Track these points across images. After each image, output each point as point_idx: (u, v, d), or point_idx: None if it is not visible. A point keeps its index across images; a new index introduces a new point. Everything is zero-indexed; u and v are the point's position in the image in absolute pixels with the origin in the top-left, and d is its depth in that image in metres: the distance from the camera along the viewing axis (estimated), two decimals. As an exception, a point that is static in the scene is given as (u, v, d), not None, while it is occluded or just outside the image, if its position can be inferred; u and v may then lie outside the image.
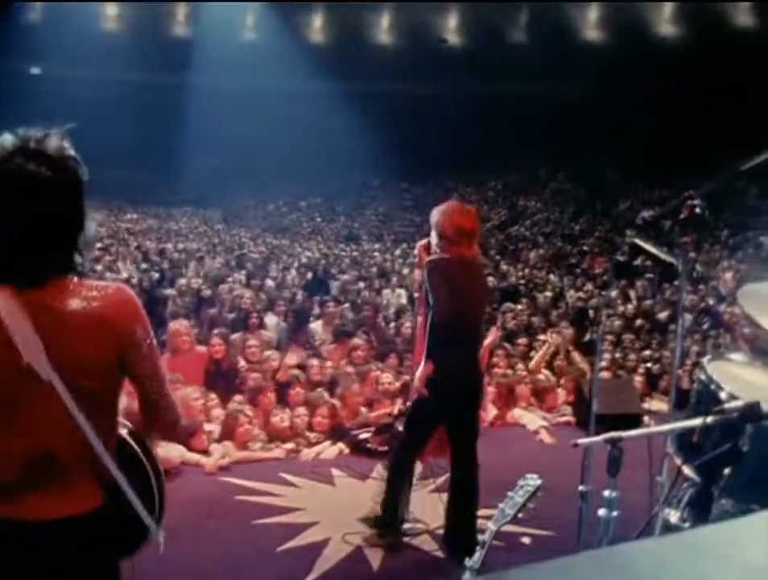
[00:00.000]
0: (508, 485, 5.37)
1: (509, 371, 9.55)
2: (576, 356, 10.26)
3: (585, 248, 23.75)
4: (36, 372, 2.01)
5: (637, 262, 2.82)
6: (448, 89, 31.95)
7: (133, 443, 2.34)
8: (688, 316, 13.78)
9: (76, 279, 2.15)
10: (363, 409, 7.81)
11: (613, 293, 3.12)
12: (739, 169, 3.22)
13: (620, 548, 1.04)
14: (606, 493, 2.55)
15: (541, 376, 9.59)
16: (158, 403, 2.28)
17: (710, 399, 2.68)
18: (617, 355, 11.10)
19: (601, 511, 2.55)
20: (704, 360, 2.96)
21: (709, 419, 2.37)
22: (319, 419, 7.30)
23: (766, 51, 24.31)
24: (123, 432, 2.35)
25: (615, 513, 2.52)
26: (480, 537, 2.97)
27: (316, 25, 34.26)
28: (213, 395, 7.21)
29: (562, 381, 9.64)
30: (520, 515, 2.92)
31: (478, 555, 2.91)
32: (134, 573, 2.48)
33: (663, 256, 2.80)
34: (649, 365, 10.57)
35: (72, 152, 2.13)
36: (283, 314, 10.66)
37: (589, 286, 17.74)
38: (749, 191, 21.55)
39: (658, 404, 9.39)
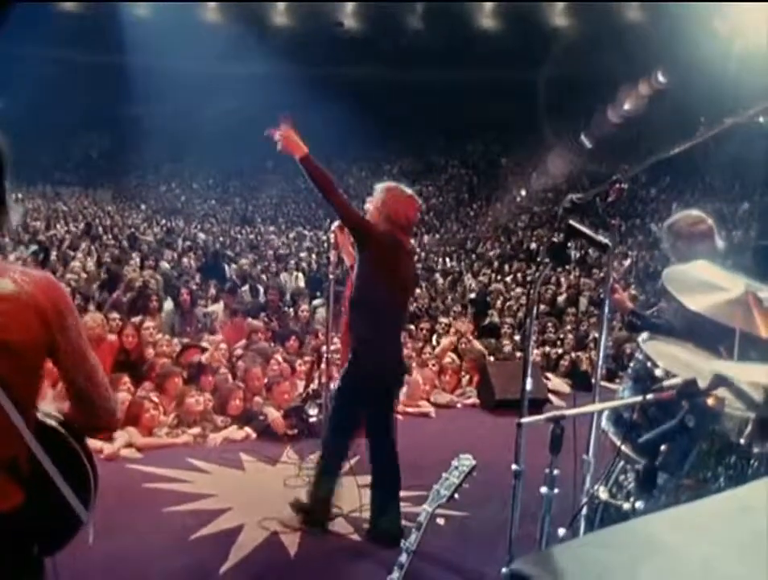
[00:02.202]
0: (422, 468, 5.48)
1: (413, 354, 9.65)
2: (475, 342, 10.45)
3: (478, 233, 24.18)
4: None
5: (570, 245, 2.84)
6: (344, 72, 31.86)
7: (63, 431, 2.22)
8: (584, 301, 14.25)
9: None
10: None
11: (546, 273, 3.15)
12: (664, 156, 3.30)
13: (647, 519, 1.05)
14: (547, 471, 2.57)
15: (447, 359, 9.71)
16: (91, 393, 2.17)
17: (647, 376, 2.75)
18: (516, 338, 11.34)
19: (543, 489, 2.58)
20: (640, 339, 3.04)
21: (649, 396, 2.42)
22: (236, 402, 7.19)
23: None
24: (52, 422, 2.23)
25: (556, 491, 2.55)
26: (418, 519, 2.96)
27: (212, 5, 33.53)
28: (126, 379, 7.00)
29: (464, 364, 9.78)
30: (456, 495, 2.92)
31: (414, 537, 2.90)
32: (54, 569, 2.36)
33: (598, 238, 2.84)
34: (547, 348, 10.85)
35: None
36: (177, 296, 10.41)
37: (486, 270, 18.05)
38: (638, 179, 22.42)
39: (558, 385, 9.68)
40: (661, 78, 23.32)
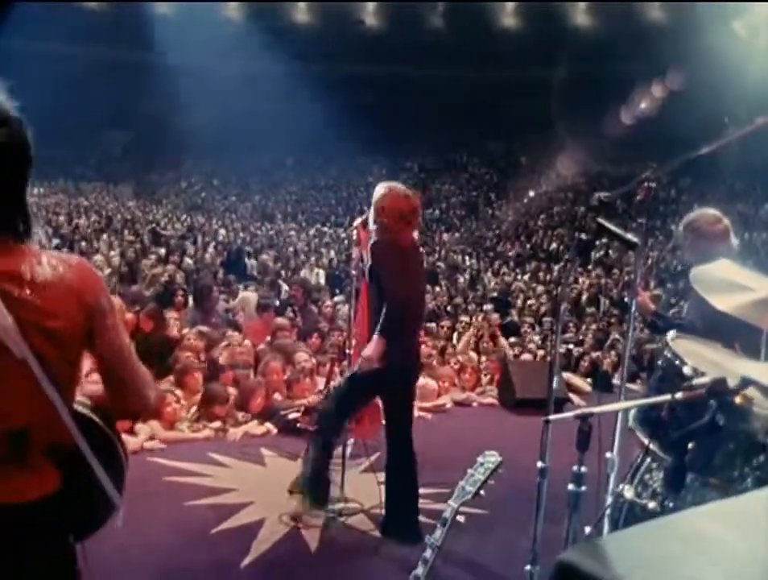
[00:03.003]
0: (441, 465, 5.48)
1: (434, 352, 9.64)
2: (501, 339, 10.43)
3: (498, 232, 24.15)
4: (9, 348, 1.89)
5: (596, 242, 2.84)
6: (365, 70, 31.89)
7: (97, 418, 2.23)
8: (604, 301, 14.19)
9: (34, 247, 2.03)
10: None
11: (573, 271, 3.16)
12: (693, 155, 3.28)
13: (691, 513, 1.05)
14: (575, 468, 2.57)
15: (465, 357, 9.70)
16: (128, 378, 2.17)
17: (675, 375, 2.74)
18: (536, 338, 11.31)
19: (570, 486, 2.57)
20: (668, 337, 3.03)
21: (679, 394, 2.41)
22: (258, 399, 7.22)
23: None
24: (83, 409, 2.24)
25: (584, 488, 2.54)
26: (443, 515, 2.96)
27: (234, 4, 33.62)
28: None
29: (485, 363, 9.77)
30: (482, 492, 2.92)
31: (440, 532, 2.90)
32: (84, 556, 2.38)
33: (627, 236, 2.83)
34: (571, 345, 10.82)
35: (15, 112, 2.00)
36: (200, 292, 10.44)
37: (505, 269, 18.03)
38: (659, 180, 22.26)
39: (580, 384, 9.64)
40: (681, 77, 23.21)
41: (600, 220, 2.80)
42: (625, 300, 11.44)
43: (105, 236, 15.90)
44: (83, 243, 14.78)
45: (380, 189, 4.93)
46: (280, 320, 9.25)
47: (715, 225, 4.45)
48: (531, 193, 27.26)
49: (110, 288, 9.99)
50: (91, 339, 2.08)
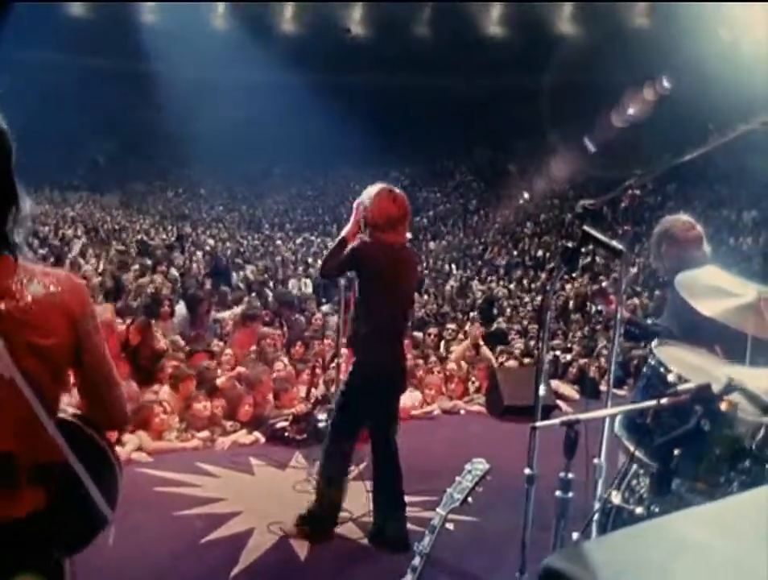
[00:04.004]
0: (429, 473, 5.49)
1: (420, 361, 9.64)
2: (484, 349, 10.46)
3: (485, 240, 24.20)
4: None
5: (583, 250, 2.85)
6: (351, 78, 31.92)
7: (89, 429, 2.22)
8: (591, 308, 14.23)
9: (26, 262, 2.02)
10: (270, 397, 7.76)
11: (559, 279, 3.16)
12: (678, 162, 3.31)
13: (676, 517, 1.06)
14: (562, 475, 2.58)
15: (453, 365, 9.72)
16: (108, 395, 2.18)
17: (660, 381, 2.76)
18: (518, 345, 11.31)
19: (558, 493, 2.59)
20: (653, 344, 3.05)
21: (664, 400, 2.43)
22: (246, 408, 7.22)
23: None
24: (75, 419, 2.23)
25: (571, 495, 2.55)
26: (431, 523, 2.96)
27: (220, 11, 33.63)
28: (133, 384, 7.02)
29: (473, 371, 9.78)
30: (469, 499, 2.93)
31: (428, 539, 2.90)
32: (72, 570, 2.37)
33: (612, 243, 2.85)
34: (558, 353, 10.86)
35: None
36: (190, 302, 10.44)
37: (493, 277, 18.08)
38: (645, 186, 22.37)
39: (568, 392, 9.67)
40: (666, 84, 23.35)
41: (586, 227, 2.82)
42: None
43: (90, 250, 15.82)
44: (70, 254, 14.72)
45: (366, 193, 4.91)
46: (265, 329, 9.24)
47: (688, 232, 4.47)
48: (519, 201, 27.34)
49: (96, 299, 10.01)
50: (78, 355, 2.08)
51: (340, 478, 5.04)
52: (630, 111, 25.13)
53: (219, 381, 7.47)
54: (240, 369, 7.87)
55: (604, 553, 0.94)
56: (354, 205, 5.06)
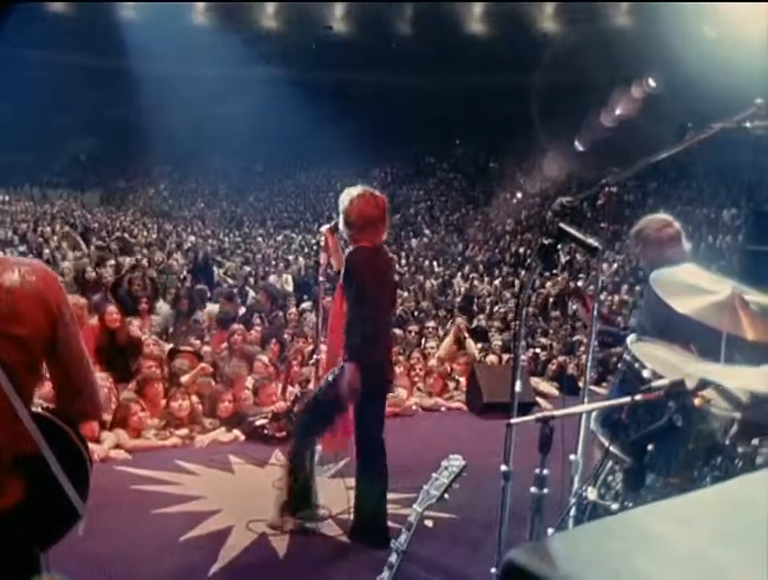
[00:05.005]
0: (409, 469, 5.49)
1: (401, 358, 9.64)
2: (470, 343, 10.48)
3: (467, 237, 24.25)
4: None
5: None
6: (333, 76, 31.88)
7: (61, 423, 2.21)
8: (571, 305, 14.29)
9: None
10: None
11: (535, 276, 3.17)
12: (652, 160, 3.33)
13: (642, 510, 1.07)
14: (537, 471, 2.60)
15: (433, 361, 9.73)
16: (83, 383, 2.17)
17: (634, 378, 2.78)
18: (497, 342, 11.32)
19: (533, 489, 2.60)
20: (628, 340, 3.07)
21: (638, 396, 2.45)
22: (225, 404, 7.20)
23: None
24: (47, 413, 2.22)
25: (546, 491, 2.57)
26: (407, 519, 2.97)
27: (200, 7, 33.48)
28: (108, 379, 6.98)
29: (454, 366, 9.81)
30: (446, 496, 2.93)
31: (405, 537, 2.91)
32: (47, 566, 2.36)
33: (588, 241, 2.86)
34: (538, 350, 10.89)
35: None
36: (172, 300, 10.42)
37: (474, 274, 18.11)
38: (625, 184, 22.48)
39: (546, 389, 9.71)
40: (652, 83, 23.43)
41: (562, 224, 2.83)
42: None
43: (65, 243, 15.72)
44: (46, 250, 14.63)
45: (347, 194, 4.93)
46: (235, 325, 9.23)
47: (661, 231, 4.47)
48: (501, 198, 27.40)
49: (73, 293, 9.95)
50: (53, 345, 2.07)
51: (311, 470, 5.09)
52: (615, 111, 25.20)
53: (183, 379, 7.44)
54: (203, 365, 7.83)
55: (567, 547, 0.94)
56: (324, 232, 5.19)
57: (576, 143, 24.52)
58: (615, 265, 17.92)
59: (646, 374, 2.74)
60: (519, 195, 27.04)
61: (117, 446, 6.39)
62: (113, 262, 13.20)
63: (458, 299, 15.27)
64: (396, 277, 5.67)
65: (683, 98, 19.85)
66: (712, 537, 1.02)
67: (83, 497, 2.23)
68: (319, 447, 5.49)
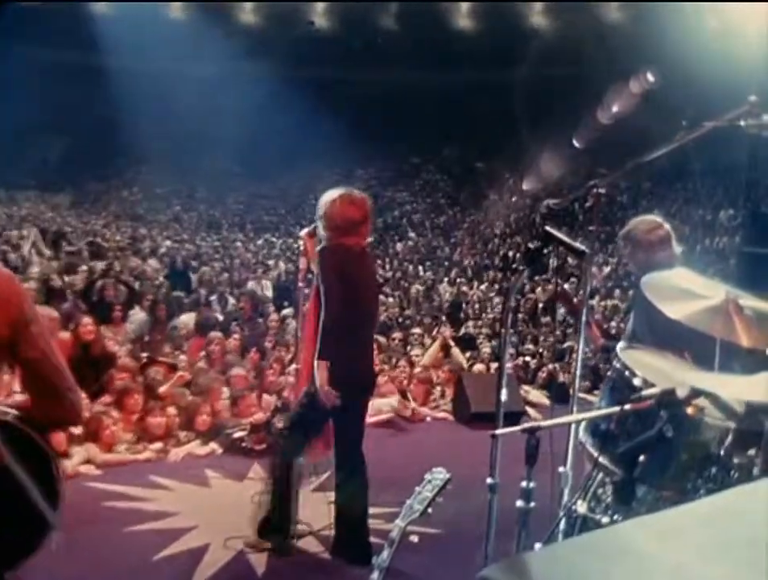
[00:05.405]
0: (394, 483, 5.48)
1: (386, 367, 9.64)
2: (456, 351, 10.49)
3: (454, 240, 24.27)
4: None
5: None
6: (314, 73, 31.85)
7: (27, 429, 2.20)
8: (561, 310, 14.32)
9: None
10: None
11: (521, 281, 3.17)
12: (642, 161, 3.35)
13: (622, 526, 1.07)
14: (524, 484, 2.59)
15: (418, 369, 9.74)
16: (58, 385, 2.16)
17: (624, 386, 2.78)
18: (486, 350, 11.33)
19: (519, 503, 2.60)
20: (618, 348, 3.07)
21: (627, 406, 2.45)
22: (203, 417, 7.18)
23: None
24: (12, 419, 2.20)
25: (533, 504, 2.57)
26: (390, 535, 2.96)
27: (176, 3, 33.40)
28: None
29: (440, 374, 9.81)
30: (429, 510, 2.93)
31: (387, 553, 2.90)
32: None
33: (575, 245, 2.87)
34: (527, 358, 10.91)
35: None
36: (148, 307, 10.39)
37: (462, 279, 18.13)
38: (618, 185, 22.61)
39: (537, 397, 9.73)
40: (651, 77, 23.50)
41: (548, 228, 2.84)
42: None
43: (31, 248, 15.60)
44: (12, 256, 14.52)
45: (328, 196, 4.92)
46: (213, 333, 9.22)
47: (651, 233, 4.47)
48: (489, 200, 27.45)
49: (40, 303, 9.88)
50: (14, 348, 2.06)
51: (293, 485, 5.06)
52: (610, 109, 25.28)
53: (161, 389, 7.42)
54: (181, 373, 7.80)
55: (544, 564, 0.94)
56: (303, 236, 5.20)
57: (574, 141, 24.60)
58: (608, 268, 17.98)
59: (636, 382, 2.74)
60: (508, 196, 27.11)
61: (88, 461, 6.36)
62: (84, 267, 13.14)
63: (445, 304, 15.27)
64: (375, 281, 5.65)
65: (680, 95, 19.92)
66: (699, 552, 1.02)
67: (54, 507, 2.21)
68: (301, 460, 5.49)
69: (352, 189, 5.05)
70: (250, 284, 15.01)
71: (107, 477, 6.23)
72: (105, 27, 28.88)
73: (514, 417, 7.22)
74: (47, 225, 21.51)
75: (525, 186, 26.76)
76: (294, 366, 5.71)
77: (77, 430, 6.53)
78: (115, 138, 29.43)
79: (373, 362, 5.29)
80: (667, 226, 4.51)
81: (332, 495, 5.14)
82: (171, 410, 7.21)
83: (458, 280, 18.28)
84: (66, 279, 11.76)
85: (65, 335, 7.62)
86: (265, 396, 8.06)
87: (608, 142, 22.62)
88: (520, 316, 13.50)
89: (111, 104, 28.83)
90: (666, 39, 20.94)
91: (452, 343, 10.64)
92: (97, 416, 6.68)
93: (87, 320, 7.85)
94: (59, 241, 17.69)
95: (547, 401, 9.67)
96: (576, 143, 24.35)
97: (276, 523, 5.05)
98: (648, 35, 23.19)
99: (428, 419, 9.07)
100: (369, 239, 5.08)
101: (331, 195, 4.91)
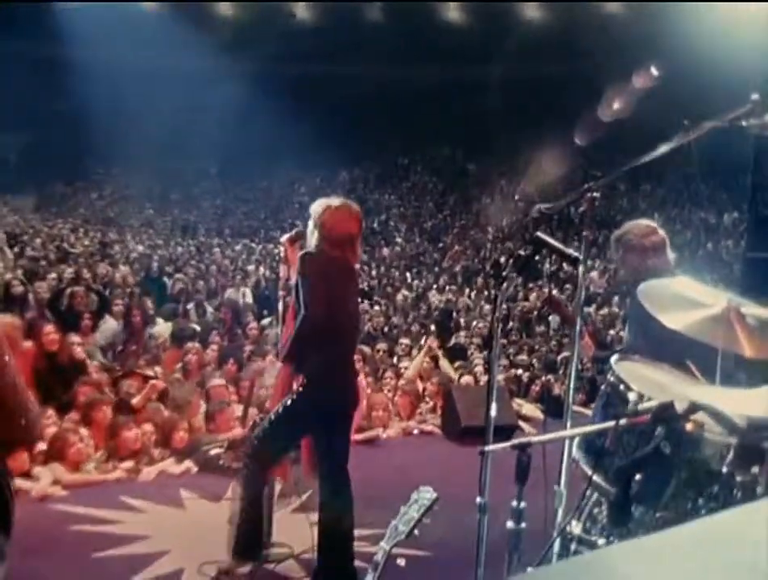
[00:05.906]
0: (380, 502, 5.48)
1: (370, 379, 9.64)
2: (444, 363, 10.49)
3: (444, 246, 24.31)
4: None
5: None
6: (297, 69, 31.85)
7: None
8: (555, 319, 14.37)
9: None
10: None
11: (512, 289, 3.19)
12: (637, 163, 3.36)
13: (611, 549, 1.08)
14: (514, 504, 2.60)
15: (403, 381, 9.74)
16: (12, 401, 2.15)
17: (619, 400, 2.79)
18: (477, 361, 11.33)
19: (509, 524, 2.60)
20: (612, 360, 3.08)
21: (622, 421, 2.46)
22: (181, 434, 7.16)
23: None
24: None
25: (524, 525, 2.57)
26: (374, 558, 2.97)
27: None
28: (51, 412, 6.90)
29: (428, 387, 9.81)
30: (416, 531, 2.93)
31: (371, 577, 2.91)
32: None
33: (567, 251, 2.88)
34: (519, 371, 10.92)
35: None
36: (121, 315, 10.38)
37: (452, 286, 18.17)
38: (617, 188, 22.73)
39: (530, 411, 9.74)
40: (655, 71, 23.55)
41: (539, 234, 2.85)
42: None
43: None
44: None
45: (322, 205, 4.91)
46: (189, 344, 9.20)
47: (646, 238, 4.48)
48: (481, 203, 27.51)
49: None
50: None
51: (264, 503, 5.09)
52: (609, 107, 25.33)
53: (134, 401, 7.39)
54: (154, 382, 7.78)
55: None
56: (284, 242, 5.20)
57: (576, 139, 24.66)
58: (606, 275, 18.04)
59: (631, 396, 2.75)
60: (500, 199, 27.16)
61: (54, 482, 6.31)
62: (53, 274, 13.08)
63: (434, 313, 15.29)
64: (358, 292, 5.68)
65: (681, 91, 19.99)
66: (698, 576, 1.03)
67: (6, 535, 2.20)
68: (278, 478, 5.48)
69: (346, 200, 5.09)
70: (229, 293, 15.00)
71: (74, 498, 6.19)
72: (70, 17, 28.67)
73: (506, 432, 7.24)
74: (10, 228, 21.39)
75: (518, 189, 26.80)
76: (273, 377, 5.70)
77: (42, 446, 6.50)
78: (82, 136, 29.25)
79: (356, 375, 5.29)
80: (662, 232, 4.54)
81: (314, 516, 5.13)
82: (147, 427, 7.16)
83: (447, 288, 18.31)
84: (31, 286, 11.68)
85: (28, 345, 7.57)
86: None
87: (605, 142, 22.73)
88: (512, 324, 13.54)
89: (77, 99, 28.60)
90: (666, 34, 21.05)
91: (439, 353, 10.65)
92: (62, 433, 6.63)
93: (50, 328, 7.81)
94: (22, 245, 17.59)
95: (540, 415, 9.68)
96: (577, 141, 24.40)
97: (246, 546, 5.03)
98: (648, 31, 23.30)
99: (415, 431, 9.08)
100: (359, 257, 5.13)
101: (328, 203, 4.91)
